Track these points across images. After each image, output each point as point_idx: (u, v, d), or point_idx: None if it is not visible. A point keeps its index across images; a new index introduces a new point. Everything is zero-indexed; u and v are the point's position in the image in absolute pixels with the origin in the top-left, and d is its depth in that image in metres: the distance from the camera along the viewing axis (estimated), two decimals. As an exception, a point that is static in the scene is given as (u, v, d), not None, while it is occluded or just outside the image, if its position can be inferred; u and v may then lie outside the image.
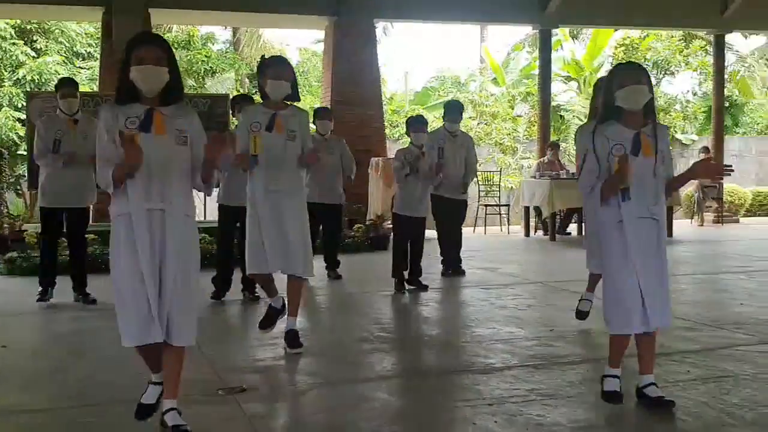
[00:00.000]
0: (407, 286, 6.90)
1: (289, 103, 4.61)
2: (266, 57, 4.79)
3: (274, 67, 4.55)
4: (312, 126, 6.96)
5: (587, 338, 5.05)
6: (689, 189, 15.36)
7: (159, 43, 3.17)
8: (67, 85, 6.41)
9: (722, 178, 3.43)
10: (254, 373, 4.31)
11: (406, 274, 6.94)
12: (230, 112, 6.24)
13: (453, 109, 7.81)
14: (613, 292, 3.51)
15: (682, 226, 13.88)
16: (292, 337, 4.69)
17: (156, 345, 3.16)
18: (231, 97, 8.79)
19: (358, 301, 6.78)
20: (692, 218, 14.96)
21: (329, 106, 12.13)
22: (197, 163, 3.19)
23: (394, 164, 6.92)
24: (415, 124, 6.85)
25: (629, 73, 3.47)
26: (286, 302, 4.78)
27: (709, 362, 4.35)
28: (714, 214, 14.74)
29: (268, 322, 4.85)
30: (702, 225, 14.41)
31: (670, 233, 11.81)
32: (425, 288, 6.94)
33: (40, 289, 6.39)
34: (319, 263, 7.92)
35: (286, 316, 4.78)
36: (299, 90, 4.66)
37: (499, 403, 3.64)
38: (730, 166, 3.52)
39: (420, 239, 7.01)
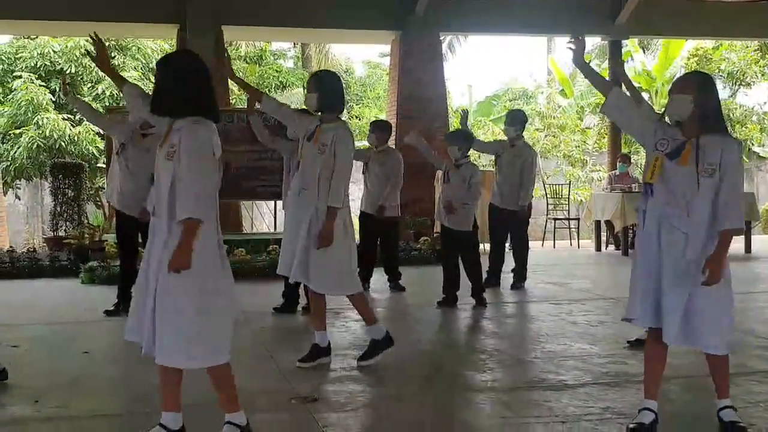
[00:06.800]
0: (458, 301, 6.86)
1: (339, 117, 4.70)
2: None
3: (308, 80, 4.77)
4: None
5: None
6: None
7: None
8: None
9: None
10: (326, 383, 4.36)
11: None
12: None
13: (509, 117, 7.96)
14: (631, 277, 3.54)
15: (763, 241, 13.40)
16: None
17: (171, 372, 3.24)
18: None
19: (424, 314, 6.77)
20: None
21: (395, 120, 12.23)
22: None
23: None
24: (448, 137, 6.88)
25: (676, 82, 3.48)
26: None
27: (792, 383, 4.19)
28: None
29: (308, 358, 4.70)
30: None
31: (748, 249, 11.45)
32: (483, 304, 6.80)
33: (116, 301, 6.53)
34: (380, 276, 8.01)
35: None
36: (338, 99, 4.65)
37: (572, 421, 3.59)
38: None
39: (467, 253, 6.82)
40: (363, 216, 7.71)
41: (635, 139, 3.78)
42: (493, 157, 8.74)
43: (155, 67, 3.33)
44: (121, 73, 14.13)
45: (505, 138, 8.07)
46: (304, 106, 4.86)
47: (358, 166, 8.50)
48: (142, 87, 3.64)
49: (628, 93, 4.09)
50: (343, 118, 4.80)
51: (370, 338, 4.78)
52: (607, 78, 13.41)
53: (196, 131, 3.16)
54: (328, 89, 4.61)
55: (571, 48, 3.67)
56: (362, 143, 10.44)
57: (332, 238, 4.48)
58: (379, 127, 7.81)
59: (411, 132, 7.17)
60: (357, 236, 5.14)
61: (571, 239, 13.44)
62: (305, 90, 4.74)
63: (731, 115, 17.99)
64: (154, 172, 3.27)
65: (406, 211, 9.95)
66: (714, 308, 3.34)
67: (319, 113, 4.65)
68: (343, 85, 4.97)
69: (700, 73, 3.74)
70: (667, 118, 3.50)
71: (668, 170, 3.36)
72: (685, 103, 3.34)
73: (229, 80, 12.09)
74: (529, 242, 8.30)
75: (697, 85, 3.38)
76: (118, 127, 6.52)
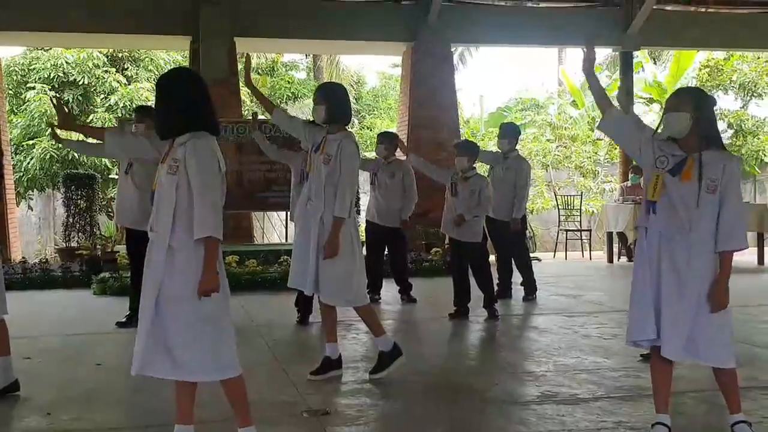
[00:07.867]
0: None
1: (345, 128, 4.69)
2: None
3: (315, 92, 4.77)
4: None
5: (676, 370, 4.88)
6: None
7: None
8: (137, 111, 6.60)
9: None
10: (338, 396, 4.36)
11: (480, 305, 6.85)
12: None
13: (502, 130, 8.02)
14: (631, 297, 3.47)
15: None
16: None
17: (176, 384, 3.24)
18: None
19: (435, 326, 6.75)
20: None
21: (407, 131, 12.25)
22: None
23: None
24: (459, 148, 6.85)
25: (671, 100, 3.43)
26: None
27: (808, 398, 4.15)
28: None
29: (319, 371, 4.72)
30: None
31: (761, 261, 11.37)
32: (494, 316, 6.79)
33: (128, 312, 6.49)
34: (391, 287, 7.99)
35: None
36: (346, 111, 4.69)
37: (585, 435, 3.56)
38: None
39: (477, 265, 6.82)
40: (369, 225, 7.74)
41: (631, 156, 3.74)
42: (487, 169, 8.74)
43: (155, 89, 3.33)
44: (134, 85, 14.17)
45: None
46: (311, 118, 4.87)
47: (365, 176, 8.53)
48: (126, 128, 3.66)
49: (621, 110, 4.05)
50: (350, 129, 4.81)
51: (378, 350, 4.77)
52: (621, 89, 13.32)
53: (201, 147, 3.16)
54: (335, 101, 4.62)
55: (583, 54, 3.65)
56: (372, 154, 10.46)
57: (338, 248, 4.48)
58: (387, 138, 7.81)
59: (409, 155, 7.23)
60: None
61: (582, 251, 13.39)
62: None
63: (743, 125, 17.92)
64: (155, 187, 3.25)
65: (417, 222, 9.94)
66: (716, 322, 3.33)
67: (327, 125, 4.66)
68: (350, 97, 4.98)
69: (694, 89, 3.68)
70: (663, 135, 3.43)
71: (670, 187, 3.34)
72: (684, 120, 3.33)
73: (241, 92, 12.19)
74: (539, 253, 8.27)
75: (694, 102, 3.36)
76: (120, 148, 6.47)
